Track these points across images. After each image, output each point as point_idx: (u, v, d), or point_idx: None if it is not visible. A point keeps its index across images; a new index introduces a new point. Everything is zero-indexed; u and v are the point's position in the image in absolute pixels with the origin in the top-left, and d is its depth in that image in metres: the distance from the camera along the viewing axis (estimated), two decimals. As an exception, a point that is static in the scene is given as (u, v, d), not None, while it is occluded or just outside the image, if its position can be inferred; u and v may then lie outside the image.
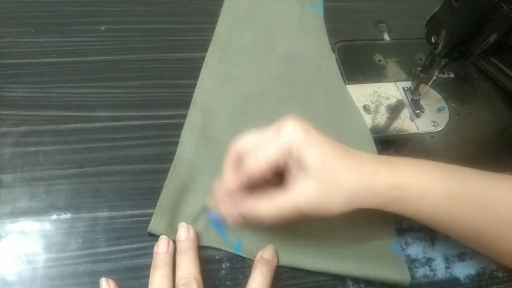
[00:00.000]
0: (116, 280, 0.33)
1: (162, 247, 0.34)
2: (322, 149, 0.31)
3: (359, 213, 0.38)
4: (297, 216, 0.31)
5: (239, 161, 0.32)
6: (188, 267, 0.33)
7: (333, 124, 0.45)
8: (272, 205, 0.31)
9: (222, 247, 0.36)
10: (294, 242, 0.37)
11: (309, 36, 0.53)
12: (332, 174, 0.31)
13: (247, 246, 0.36)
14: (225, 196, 0.33)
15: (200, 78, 0.46)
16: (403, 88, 0.51)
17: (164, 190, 0.38)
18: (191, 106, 0.44)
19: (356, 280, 0.37)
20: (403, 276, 0.36)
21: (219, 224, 0.37)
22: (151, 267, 0.33)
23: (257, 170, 0.31)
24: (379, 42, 0.55)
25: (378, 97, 0.49)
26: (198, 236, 0.36)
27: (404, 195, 0.32)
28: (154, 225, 0.36)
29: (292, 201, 0.31)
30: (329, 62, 0.51)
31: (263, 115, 0.44)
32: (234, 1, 0.54)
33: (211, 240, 0.36)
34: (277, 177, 0.33)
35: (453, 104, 0.50)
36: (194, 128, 0.42)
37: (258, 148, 0.32)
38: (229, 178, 0.32)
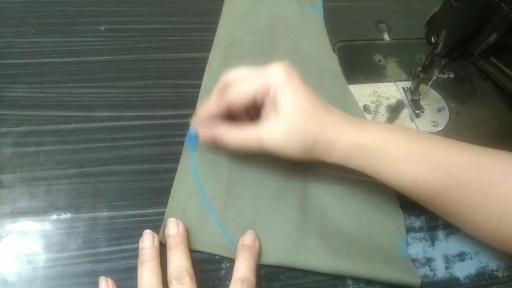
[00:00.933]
0: (116, 280, 0.33)
1: (147, 242, 0.34)
2: (297, 95, 0.33)
3: (367, 211, 0.39)
4: (258, 150, 0.34)
5: (225, 89, 0.36)
6: (180, 260, 0.33)
7: None
8: (239, 134, 0.35)
9: (226, 254, 0.36)
10: (306, 244, 0.37)
11: (311, 37, 0.53)
12: (299, 120, 0.33)
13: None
14: (205, 118, 0.37)
15: (203, 82, 0.46)
16: (403, 88, 0.51)
17: (170, 200, 0.38)
18: (197, 110, 0.42)
19: (356, 279, 0.37)
20: (414, 279, 0.37)
21: (193, 139, 0.40)
22: (138, 264, 0.33)
23: (236, 99, 0.35)
24: (379, 42, 0.55)
25: (378, 97, 0.49)
26: (205, 243, 0.36)
27: (366, 153, 0.33)
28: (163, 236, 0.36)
29: (257, 135, 0.34)
30: (332, 64, 0.51)
31: None
32: (234, 3, 0.54)
33: (217, 247, 0.36)
34: (257, 114, 0.37)
35: (453, 104, 0.50)
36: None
37: (242, 80, 0.35)
38: (212, 102, 0.37)
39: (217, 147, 0.38)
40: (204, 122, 0.37)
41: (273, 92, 0.34)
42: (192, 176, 0.39)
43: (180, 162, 0.40)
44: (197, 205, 0.38)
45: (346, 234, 0.38)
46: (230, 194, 0.39)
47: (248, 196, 0.39)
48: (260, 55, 0.50)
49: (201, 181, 0.39)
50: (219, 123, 0.36)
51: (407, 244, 0.40)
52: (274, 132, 0.33)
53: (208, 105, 0.37)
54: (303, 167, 0.40)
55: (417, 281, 0.37)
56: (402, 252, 0.38)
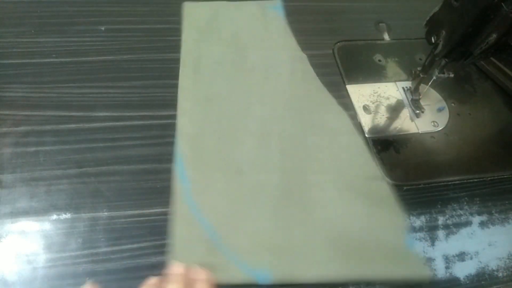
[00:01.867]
0: (116, 280, 0.33)
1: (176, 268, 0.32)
2: None
3: (367, 214, 0.39)
4: None
5: None
6: None
7: (322, 127, 0.45)
8: None
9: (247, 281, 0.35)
10: (314, 256, 0.37)
11: (277, 41, 0.52)
12: None
13: (278, 274, 0.36)
14: None
15: (178, 103, 0.44)
16: (403, 88, 0.51)
17: (174, 240, 0.36)
18: (178, 137, 0.42)
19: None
20: (423, 272, 0.37)
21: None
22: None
23: None
24: (379, 42, 0.55)
25: (378, 97, 0.49)
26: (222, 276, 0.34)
27: None
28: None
29: None
30: (303, 65, 0.50)
31: (251, 133, 0.43)
32: (194, 15, 0.52)
33: (233, 275, 0.35)
34: None
35: (453, 104, 0.50)
36: (186, 160, 0.40)
37: None
38: None
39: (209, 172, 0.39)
40: None
41: None
42: (189, 208, 0.38)
43: (174, 195, 0.38)
44: (201, 239, 0.36)
45: (351, 241, 0.38)
46: (232, 218, 0.38)
47: (250, 216, 0.38)
48: (232, 67, 0.48)
49: (200, 211, 0.38)
50: None
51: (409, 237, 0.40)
52: None
53: None
54: (299, 177, 0.41)
55: (426, 274, 0.37)
56: (407, 246, 0.39)
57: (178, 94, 0.44)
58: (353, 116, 0.47)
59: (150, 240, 0.36)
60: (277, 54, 0.51)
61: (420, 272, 0.37)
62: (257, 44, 0.51)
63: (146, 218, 0.37)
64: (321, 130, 0.45)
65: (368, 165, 0.43)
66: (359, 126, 0.46)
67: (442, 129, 0.48)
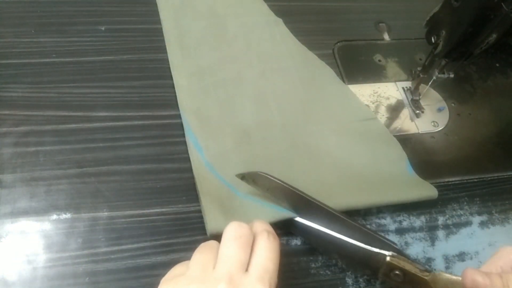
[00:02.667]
0: (116, 280, 0.33)
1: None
2: None
3: (368, 148, 0.44)
4: None
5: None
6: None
7: (310, 81, 0.48)
8: None
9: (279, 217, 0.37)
10: (325, 186, 0.40)
11: (250, 7, 0.54)
12: None
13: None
14: None
15: (174, 80, 0.45)
16: (403, 88, 0.51)
17: (201, 196, 0.37)
18: (182, 112, 0.43)
19: (356, 280, 0.37)
20: (430, 191, 0.41)
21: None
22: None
23: None
24: (379, 42, 0.55)
25: (378, 97, 0.49)
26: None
27: None
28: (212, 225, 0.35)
29: None
30: (280, 28, 0.52)
31: (248, 96, 0.46)
32: None
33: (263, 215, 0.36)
34: None
35: (453, 104, 0.50)
36: (197, 131, 0.42)
37: None
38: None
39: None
40: None
41: None
42: (209, 172, 0.40)
43: (192, 163, 0.40)
44: (227, 195, 0.38)
45: (359, 177, 0.41)
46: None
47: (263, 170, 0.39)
48: (215, 38, 0.50)
49: (219, 173, 0.40)
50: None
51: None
52: None
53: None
54: (300, 130, 0.44)
55: (434, 192, 0.40)
56: (410, 173, 0.42)
57: (172, 72, 0.46)
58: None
59: (150, 240, 0.36)
60: (254, 20, 0.52)
61: (428, 191, 0.41)
62: (232, 13, 0.52)
63: (146, 218, 0.37)
64: (310, 84, 0.48)
65: (360, 109, 0.47)
66: (359, 126, 0.46)
67: (442, 129, 0.48)
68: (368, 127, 0.46)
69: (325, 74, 0.49)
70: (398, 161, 0.43)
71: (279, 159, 0.42)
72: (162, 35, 0.50)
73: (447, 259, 0.39)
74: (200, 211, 0.37)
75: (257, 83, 0.47)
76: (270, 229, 0.30)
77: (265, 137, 0.43)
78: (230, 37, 0.50)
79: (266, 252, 0.29)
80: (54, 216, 0.36)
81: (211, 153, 0.41)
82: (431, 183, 0.41)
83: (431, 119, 0.48)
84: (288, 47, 0.51)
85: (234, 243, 0.28)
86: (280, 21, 0.53)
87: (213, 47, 0.48)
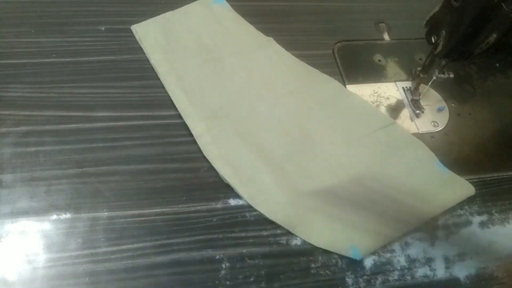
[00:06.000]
0: (116, 280, 0.33)
1: None
2: None
3: (394, 160, 0.43)
4: None
5: None
6: None
7: (318, 97, 0.47)
8: None
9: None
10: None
11: (236, 32, 0.52)
12: None
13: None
14: None
15: (192, 130, 0.42)
16: (403, 88, 0.51)
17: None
18: (216, 167, 0.41)
19: (356, 280, 0.37)
20: (468, 188, 0.42)
21: None
22: None
23: None
24: (379, 42, 0.55)
25: (378, 97, 0.49)
26: None
27: None
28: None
29: None
30: (274, 47, 0.51)
31: (270, 129, 0.44)
32: (149, 36, 0.49)
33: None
34: None
35: (453, 104, 0.50)
36: (236, 182, 0.40)
37: None
38: None
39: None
40: None
41: None
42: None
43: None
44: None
45: (389, 193, 0.41)
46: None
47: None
48: (215, 75, 0.47)
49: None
50: None
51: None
52: None
53: None
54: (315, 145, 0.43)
55: (471, 189, 0.42)
56: (444, 171, 0.43)
57: (186, 121, 0.43)
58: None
59: (150, 240, 0.36)
60: (246, 46, 0.50)
61: (465, 188, 0.42)
62: (223, 43, 0.50)
63: (146, 218, 0.37)
64: (324, 101, 0.47)
65: (377, 116, 0.47)
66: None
67: (442, 129, 0.48)
68: (391, 133, 0.45)
69: (333, 87, 0.48)
70: (431, 162, 0.43)
71: (321, 184, 0.40)
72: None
73: (447, 259, 0.39)
74: (199, 211, 0.38)
75: (273, 113, 0.45)
76: None
77: (299, 165, 0.42)
78: (229, 70, 0.48)
79: None
80: (54, 216, 0.36)
81: (256, 202, 0.39)
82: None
83: (431, 119, 0.48)
84: (288, 66, 0.49)
85: None
86: (271, 39, 0.51)
87: (216, 85, 0.46)
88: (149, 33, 0.49)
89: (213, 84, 0.46)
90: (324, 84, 0.48)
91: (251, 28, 0.52)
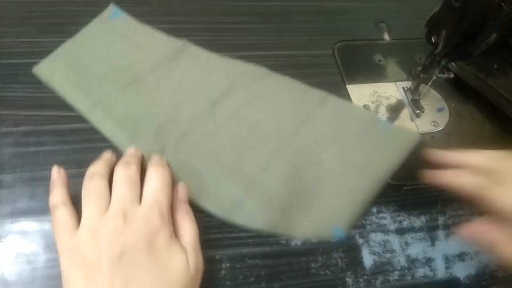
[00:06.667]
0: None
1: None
2: None
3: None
4: None
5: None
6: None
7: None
8: None
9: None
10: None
11: (147, 43, 0.47)
12: None
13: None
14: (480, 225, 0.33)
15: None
16: (403, 88, 0.51)
17: None
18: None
19: (356, 280, 0.37)
20: (411, 137, 0.42)
21: None
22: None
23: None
24: (379, 42, 0.55)
25: (378, 97, 0.49)
26: None
27: None
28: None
29: None
30: (191, 49, 0.47)
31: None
32: (56, 77, 0.44)
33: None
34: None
35: (453, 104, 0.50)
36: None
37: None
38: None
39: None
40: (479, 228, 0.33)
41: None
42: None
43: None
44: None
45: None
46: None
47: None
48: (140, 96, 0.43)
49: None
50: (493, 231, 0.32)
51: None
52: None
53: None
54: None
55: (415, 136, 0.42)
56: (384, 127, 0.44)
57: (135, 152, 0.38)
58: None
59: (150, 240, 0.36)
60: (162, 55, 0.46)
61: (412, 136, 0.42)
62: (136, 58, 0.46)
63: (146, 218, 0.37)
64: (254, 93, 0.45)
65: (310, 94, 0.46)
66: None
67: (442, 129, 0.48)
68: (330, 107, 0.45)
69: (263, 75, 0.46)
70: (373, 122, 0.44)
71: (283, 175, 0.40)
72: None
73: (447, 259, 0.39)
74: (199, 211, 0.38)
75: (214, 118, 0.42)
76: (160, 161, 0.36)
77: (258, 163, 0.40)
78: (154, 87, 0.44)
79: (156, 183, 0.33)
80: (54, 216, 0.36)
81: (232, 216, 0.37)
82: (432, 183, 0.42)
83: (431, 119, 0.48)
84: (212, 66, 0.46)
85: (123, 185, 0.32)
86: (186, 43, 0.48)
87: (147, 107, 0.42)
88: (54, 71, 0.44)
89: (143, 107, 0.42)
90: (253, 74, 0.46)
91: (160, 35, 0.48)
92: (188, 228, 0.33)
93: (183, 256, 0.31)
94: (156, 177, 0.34)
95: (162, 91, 0.44)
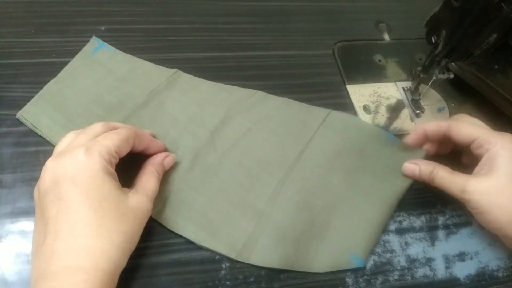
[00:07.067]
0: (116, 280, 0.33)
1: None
2: None
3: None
4: (457, 197, 0.36)
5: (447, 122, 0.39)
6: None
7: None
8: (448, 176, 0.37)
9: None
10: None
11: (136, 76, 0.45)
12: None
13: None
14: (421, 134, 0.41)
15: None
16: (403, 88, 0.51)
17: None
18: None
19: (356, 280, 0.37)
20: (418, 154, 0.42)
21: None
22: None
23: (457, 132, 0.38)
24: (379, 42, 0.55)
25: (378, 97, 0.49)
26: None
27: None
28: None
29: (463, 184, 0.36)
30: (182, 78, 0.46)
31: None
32: (43, 121, 0.41)
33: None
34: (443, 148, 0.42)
35: (453, 104, 0.50)
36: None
37: (471, 123, 0.39)
38: (433, 124, 0.40)
39: None
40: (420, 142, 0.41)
41: (493, 152, 0.35)
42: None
43: None
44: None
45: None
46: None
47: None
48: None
49: None
50: (436, 164, 0.39)
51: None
52: (483, 186, 0.35)
53: (429, 125, 0.40)
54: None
55: (421, 154, 0.42)
56: (394, 141, 0.44)
57: None
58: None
59: (150, 240, 0.36)
60: (153, 87, 0.44)
61: (418, 154, 0.42)
62: (127, 94, 0.43)
63: (146, 218, 0.37)
64: (252, 119, 0.44)
65: (312, 113, 0.45)
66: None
67: (442, 129, 0.48)
68: (332, 126, 0.44)
69: (259, 100, 0.45)
70: (380, 138, 0.44)
71: (295, 207, 0.39)
72: (163, 35, 0.50)
73: (447, 259, 0.39)
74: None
75: (215, 150, 0.41)
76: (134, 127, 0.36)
77: (265, 196, 0.39)
78: (149, 122, 0.42)
79: (111, 134, 0.33)
80: (54, 216, 0.36)
81: (245, 256, 0.36)
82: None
83: (431, 119, 0.48)
84: (205, 93, 0.44)
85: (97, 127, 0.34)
86: (176, 70, 0.46)
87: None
88: (39, 115, 0.41)
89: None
90: (250, 100, 0.45)
91: (148, 66, 0.46)
92: (147, 180, 0.35)
93: (115, 186, 0.31)
94: (116, 131, 0.34)
95: (158, 126, 0.41)
